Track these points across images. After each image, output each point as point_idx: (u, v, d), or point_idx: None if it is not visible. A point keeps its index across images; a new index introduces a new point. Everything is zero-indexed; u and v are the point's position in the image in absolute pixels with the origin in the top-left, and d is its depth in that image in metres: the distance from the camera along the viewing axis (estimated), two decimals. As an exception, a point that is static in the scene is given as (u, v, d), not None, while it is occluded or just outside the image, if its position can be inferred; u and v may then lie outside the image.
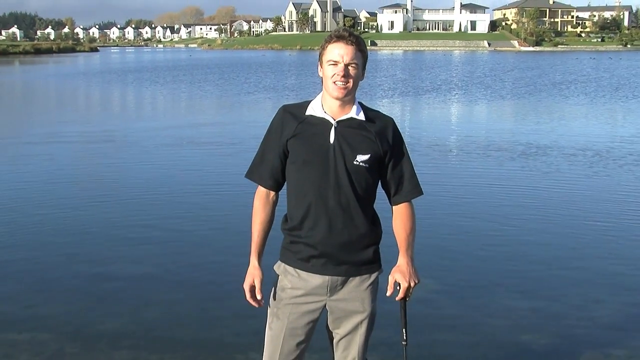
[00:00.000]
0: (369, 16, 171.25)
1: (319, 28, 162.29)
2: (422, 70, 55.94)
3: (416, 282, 3.48)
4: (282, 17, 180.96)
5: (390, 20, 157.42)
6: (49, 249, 8.04)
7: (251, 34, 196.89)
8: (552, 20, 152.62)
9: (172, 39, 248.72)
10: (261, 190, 3.60)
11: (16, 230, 8.86)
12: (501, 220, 9.46)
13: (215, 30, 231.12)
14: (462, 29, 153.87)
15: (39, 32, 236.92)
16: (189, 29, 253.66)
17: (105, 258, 7.73)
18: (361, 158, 3.42)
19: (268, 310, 3.65)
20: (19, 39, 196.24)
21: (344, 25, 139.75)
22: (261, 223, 3.60)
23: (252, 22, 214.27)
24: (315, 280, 3.53)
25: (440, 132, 19.46)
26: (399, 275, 3.47)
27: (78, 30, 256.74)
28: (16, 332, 5.66)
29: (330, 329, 3.74)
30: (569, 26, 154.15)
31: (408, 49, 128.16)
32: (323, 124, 3.45)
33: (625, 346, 5.49)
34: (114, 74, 52.60)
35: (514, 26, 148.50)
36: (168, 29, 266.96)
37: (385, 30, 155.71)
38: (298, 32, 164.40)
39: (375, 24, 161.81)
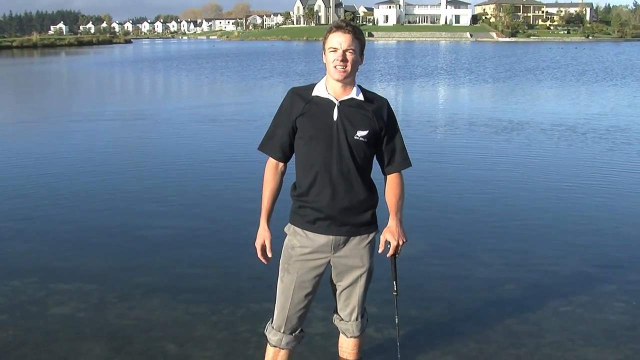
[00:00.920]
0: (366, 11, 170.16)
1: (323, 21, 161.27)
2: (414, 58, 55.57)
3: (404, 240, 3.48)
4: (291, 12, 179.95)
5: (385, 14, 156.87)
6: (91, 212, 8.04)
7: (264, 27, 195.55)
8: (526, 14, 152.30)
9: (195, 32, 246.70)
10: (271, 162, 3.61)
11: (63, 195, 8.86)
12: (483, 186, 9.44)
13: (232, 23, 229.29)
14: (448, 22, 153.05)
15: (81, 27, 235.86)
16: (210, 23, 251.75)
17: (139, 220, 7.73)
18: (361, 133, 3.43)
19: (279, 267, 3.65)
20: (64, 33, 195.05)
21: (345, 18, 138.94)
22: (271, 190, 3.60)
23: (264, 17, 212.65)
24: (321, 239, 3.54)
25: (431, 110, 19.47)
26: (389, 235, 3.48)
27: (114, 25, 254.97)
28: (65, 283, 5.68)
29: (334, 282, 3.76)
30: (540, 20, 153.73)
31: (401, 40, 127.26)
32: (327, 103, 3.44)
33: (586, 293, 5.49)
34: (146, 62, 52.40)
35: (492, 20, 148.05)
36: (192, 22, 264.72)
37: (381, 23, 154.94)
38: (305, 25, 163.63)
39: (372, 17, 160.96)
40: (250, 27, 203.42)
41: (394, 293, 3.62)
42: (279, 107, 3.58)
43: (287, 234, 3.67)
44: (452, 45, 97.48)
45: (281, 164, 3.61)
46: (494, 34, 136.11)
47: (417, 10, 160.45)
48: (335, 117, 3.43)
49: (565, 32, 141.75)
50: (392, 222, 3.50)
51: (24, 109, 21.09)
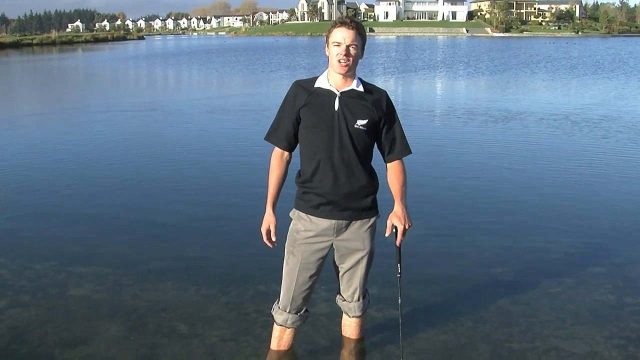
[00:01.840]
0: (367, 7, 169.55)
1: (326, 17, 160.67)
2: (414, 52, 55.35)
3: (410, 225, 3.51)
4: (296, 9, 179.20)
5: (385, 11, 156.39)
6: (107, 199, 8.05)
7: (270, 23, 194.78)
8: (519, 11, 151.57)
9: (204, 28, 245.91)
10: (277, 151, 3.61)
11: (80, 182, 8.88)
12: (480, 172, 9.45)
13: (240, 20, 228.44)
14: (445, 18, 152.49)
15: (97, 25, 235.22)
16: (219, 20, 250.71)
17: (152, 206, 7.75)
18: (360, 122, 3.43)
19: (285, 250, 3.66)
20: (81, 30, 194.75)
21: (347, 14, 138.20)
22: (276, 178, 3.61)
23: (270, 13, 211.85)
24: (324, 223, 3.55)
25: (431, 100, 19.44)
26: (396, 220, 3.49)
27: (128, 22, 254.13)
28: (83, 267, 5.69)
29: (336, 264, 3.76)
30: (532, 16, 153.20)
31: (400, 35, 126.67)
32: (329, 94, 3.45)
33: (575, 275, 5.50)
34: (158, 57, 52.30)
35: (487, 16, 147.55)
36: (201, 19, 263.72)
37: (381, 19, 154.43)
38: (309, 21, 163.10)
39: (373, 14, 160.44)
40: (257, 24, 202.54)
41: (398, 275, 3.63)
42: (284, 99, 3.58)
43: (292, 219, 3.67)
44: (449, 40, 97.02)
45: (286, 153, 3.62)
46: (488, 30, 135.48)
47: (416, 7, 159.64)
48: (336, 107, 3.44)
49: (556, 28, 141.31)
50: (398, 207, 3.52)
51: (45, 101, 21.13)
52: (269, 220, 3.62)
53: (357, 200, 3.54)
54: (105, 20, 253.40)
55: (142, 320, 4.66)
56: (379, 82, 23.08)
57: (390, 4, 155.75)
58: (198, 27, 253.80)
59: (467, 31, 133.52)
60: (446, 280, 5.41)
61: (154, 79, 31.38)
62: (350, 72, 3.45)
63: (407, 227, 3.51)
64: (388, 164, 3.62)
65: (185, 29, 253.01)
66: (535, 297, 5.06)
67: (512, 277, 5.48)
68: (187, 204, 7.82)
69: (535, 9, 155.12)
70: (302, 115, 3.49)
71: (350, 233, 3.60)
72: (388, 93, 3.63)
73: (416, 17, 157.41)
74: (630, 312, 4.79)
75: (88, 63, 46.48)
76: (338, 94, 3.45)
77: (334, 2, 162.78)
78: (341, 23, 3.42)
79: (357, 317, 3.98)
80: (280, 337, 3.94)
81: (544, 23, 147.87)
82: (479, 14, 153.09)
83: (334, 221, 3.55)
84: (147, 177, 9.26)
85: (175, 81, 30.31)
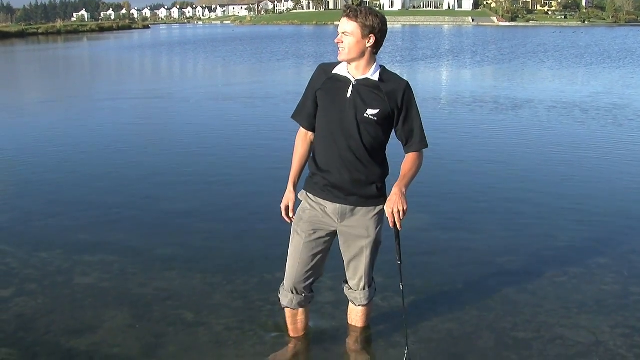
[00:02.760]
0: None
1: (331, 6, 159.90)
2: (420, 41, 55.11)
3: (400, 209, 3.31)
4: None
5: (391, 0, 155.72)
6: (113, 187, 8.07)
7: (275, 12, 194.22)
8: (525, 0, 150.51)
9: (209, 17, 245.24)
10: (301, 130, 3.69)
11: (85, 171, 8.90)
12: (488, 160, 9.43)
13: (245, 9, 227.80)
14: (451, 7, 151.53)
15: (102, 14, 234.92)
16: (224, 9, 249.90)
17: (158, 194, 7.75)
18: (371, 112, 3.41)
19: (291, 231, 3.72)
20: (86, 20, 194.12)
21: (352, 3, 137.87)
22: (299, 156, 3.68)
23: (275, 2, 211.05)
24: (329, 207, 3.58)
25: (440, 88, 19.50)
26: (387, 204, 3.38)
27: (133, 11, 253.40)
28: (89, 255, 5.71)
29: (342, 252, 3.77)
30: (538, 5, 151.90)
31: (406, 24, 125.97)
32: (345, 81, 3.46)
33: (581, 264, 5.49)
34: (164, 45, 52.22)
35: (493, 5, 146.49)
36: (206, 8, 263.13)
37: (387, 8, 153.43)
38: (314, 10, 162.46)
39: (378, 3, 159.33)
40: (262, 12, 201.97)
41: (398, 262, 3.61)
42: (309, 80, 3.64)
43: (300, 200, 3.73)
44: (455, 29, 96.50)
45: (310, 133, 3.68)
46: (494, 19, 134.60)
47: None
48: (349, 94, 3.44)
49: (563, 17, 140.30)
50: (393, 190, 3.40)
51: (52, 89, 21.14)
52: (288, 198, 3.70)
53: (363, 187, 3.53)
54: (111, 9, 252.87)
55: (148, 308, 4.67)
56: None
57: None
58: (203, 16, 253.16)
59: (473, 20, 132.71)
60: (451, 268, 5.40)
61: (159, 67, 31.35)
62: (352, 59, 3.42)
63: (398, 209, 3.31)
64: (405, 155, 3.59)
65: (190, 18, 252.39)
66: (541, 286, 5.05)
67: (517, 266, 5.47)
68: (192, 192, 7.82)
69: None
70: (318, 98, 3.55)
71: (355, 220, 3.60)
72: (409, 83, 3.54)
73: (422, 6, 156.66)
74: (635, 302, 4.78)
75: (94, 52, 46.43)
76: (353, 81, 3.45)
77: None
78: (343, 12, 3.46)
79: (363, 305, 3.98)
80: (292, 322, 3.98)
81: (550, 12, 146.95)
82: (485, 3, 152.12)
83: (338, 205, 3.56)
84: (153, 165, 9.27)
85: (180, 69, 30.23)
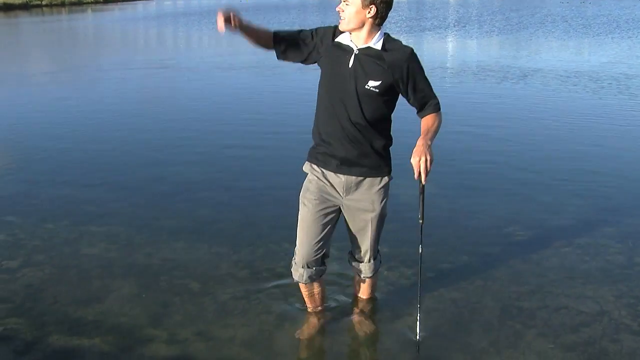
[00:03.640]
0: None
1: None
2: (426, 11, 54.50)
3: (427, 158, 3.18)
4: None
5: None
6: (118, 158, 8.07)
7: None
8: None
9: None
10: (273, 37, 3.54)
11: (91, 141, 8.91)
12: (495, 130, 9.37)
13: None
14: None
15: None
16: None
17: (165, 164, 7.76)
18: (372, 83, 3.31)
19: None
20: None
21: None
22: (261, 31, 3.54)
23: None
24: (333, 178, 3.54)
25: (454, 59, 19.14)
26: (413, 154, 3.22)
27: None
28: (96, 226, 5.74)
29: (347, 225, 3.75)
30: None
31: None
32: (347, 50, 3.36)
33: (586, 235, 5.47)
34: (169, 17, 51.82)
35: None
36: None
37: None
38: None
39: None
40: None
41: (420, 221, 3.51)
42: (318, 27, 3.52)
43: (305, 172, 3.68)
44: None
45: (272, 42, 3.53)
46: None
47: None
48: (350, 64, 3.34)
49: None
50: (418, 142, 3.25)
51: (58, 60, 21.03)
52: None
53: (366, 158, 3.47)
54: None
55: (154, 278, 4.70)
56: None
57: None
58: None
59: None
60: (456, 239, 5.40)
61: (164, 38, 31.12)
62: (352, 28, 3.31)
63: (419, 158, 3.17)
64: (421, 118, 3.48)
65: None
66: (546, 256, 5.04)
67: (522, 237, 5.46)
68: (199, 163, 7.82)
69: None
70: (319, 65, 3.47)
71: (360, 194, 3.56)
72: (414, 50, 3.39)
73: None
74: (640, 272, 4.78)
75: (98, 24, 46.10)
76: (356, 50, 3.34)
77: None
78: None
79: (368, 277, 3.98)
80: (308, 296, 3.96)
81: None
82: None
83: (343, 177, 3.51)
84: (159, 136, 9.25)
85: (185, 40, 30.00)
